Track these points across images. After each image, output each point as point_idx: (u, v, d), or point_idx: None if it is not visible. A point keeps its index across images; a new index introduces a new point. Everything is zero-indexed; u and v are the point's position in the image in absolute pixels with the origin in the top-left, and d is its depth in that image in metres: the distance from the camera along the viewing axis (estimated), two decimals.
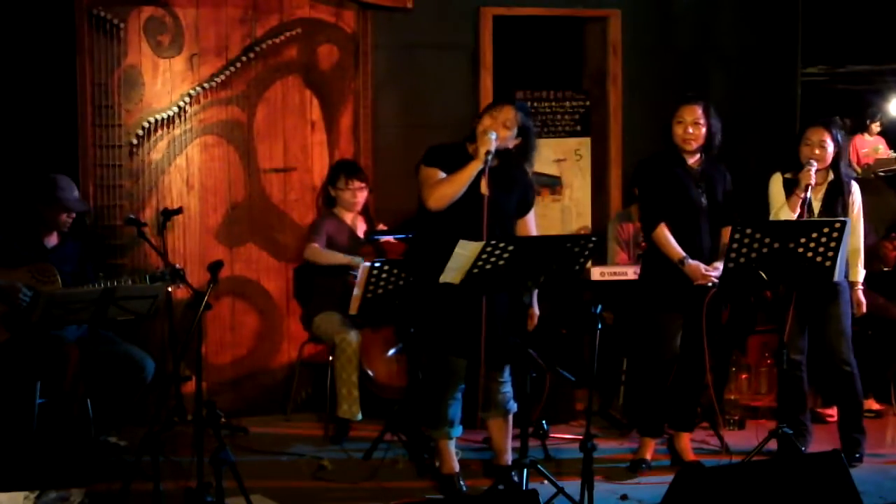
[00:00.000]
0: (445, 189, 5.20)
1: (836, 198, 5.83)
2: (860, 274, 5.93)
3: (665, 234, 5.56)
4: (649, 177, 5.70)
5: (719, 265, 5.55)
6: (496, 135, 5.21)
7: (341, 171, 6.63)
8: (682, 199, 5.59)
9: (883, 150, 11.87)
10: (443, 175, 5.23)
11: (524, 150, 5.39)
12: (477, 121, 5.33)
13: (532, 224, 5.50)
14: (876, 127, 11.96)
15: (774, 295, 5.70)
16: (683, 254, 5.53)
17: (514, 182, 5.39)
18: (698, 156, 5.64)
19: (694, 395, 5.85)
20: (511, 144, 5.33)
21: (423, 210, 5.29)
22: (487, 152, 5.16)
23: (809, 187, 5.69)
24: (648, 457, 5.77)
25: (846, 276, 5.84)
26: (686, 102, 5.61)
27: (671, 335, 5.65)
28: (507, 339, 5.32)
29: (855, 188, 5.93)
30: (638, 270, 6.01)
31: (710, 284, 5.53)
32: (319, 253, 6.43)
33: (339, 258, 6.39)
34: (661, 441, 5.93)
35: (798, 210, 5.70)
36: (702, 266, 5.53)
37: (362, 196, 6.61)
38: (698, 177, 5.64)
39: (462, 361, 5.34)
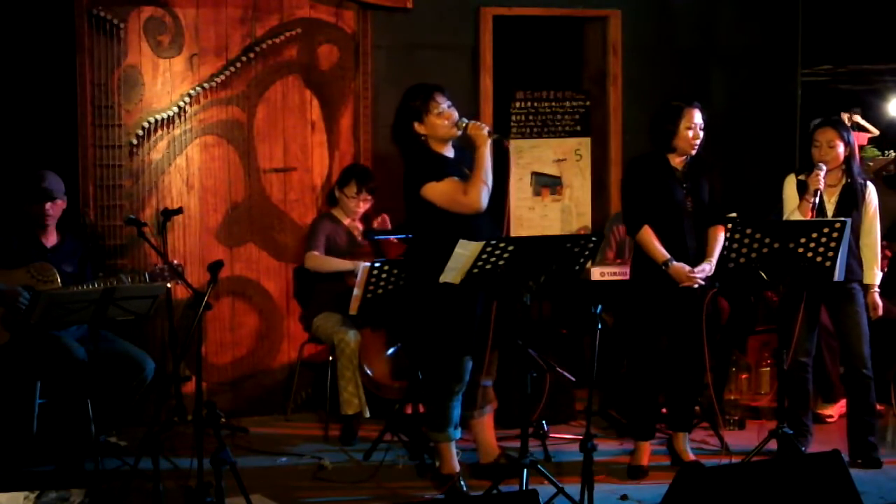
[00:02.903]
0: (482, 184, 5.18)
1: (850, 199, 5.79)
2: (877, 277, 5.88)
3: (649, 236, 5.56)
4: (634, 178, 5.70)
5: (706, 266, 5.55)
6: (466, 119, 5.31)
7: (353, 177, 6.54)
8: (667, 200, 5.58)
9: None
10: (456, 180, 5.22)
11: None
12: (420, 131, 5.29)
13: None
14: (850, 119, 11.85)
15: (780, 295, 5.68)
16: (668, 255, 5.52)
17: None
18: (684, 157, 5.64)
19: (692, 395, 5.85)
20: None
21: (429, 214, 5.25)
22: (490, 132, 5.21)
23: (819, 192, 5.68)
24: (645, 462, 5.74)
25: (861, 279, 5.83)
26: (691, 106, 5.60)
27: (656, 336, 5.65)
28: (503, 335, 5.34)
29: (871, 189, 5.89)
30: None
31: (695, 287, 5.53)
32: (321, 260, 6.40)
33: (341, 264, 6.36)
34: (659, 442, 5.93)
35: (810, 215, 5.68)
36: (686, 268, 5.53)
37: (366, 206, 6.59)
38: (682, 178, 5.64)
39: (469, 363, 5.34)
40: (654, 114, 5.72)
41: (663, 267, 5.50)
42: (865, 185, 5.87)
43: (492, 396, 5.60)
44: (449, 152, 5.35)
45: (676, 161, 5.63)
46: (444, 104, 5.30)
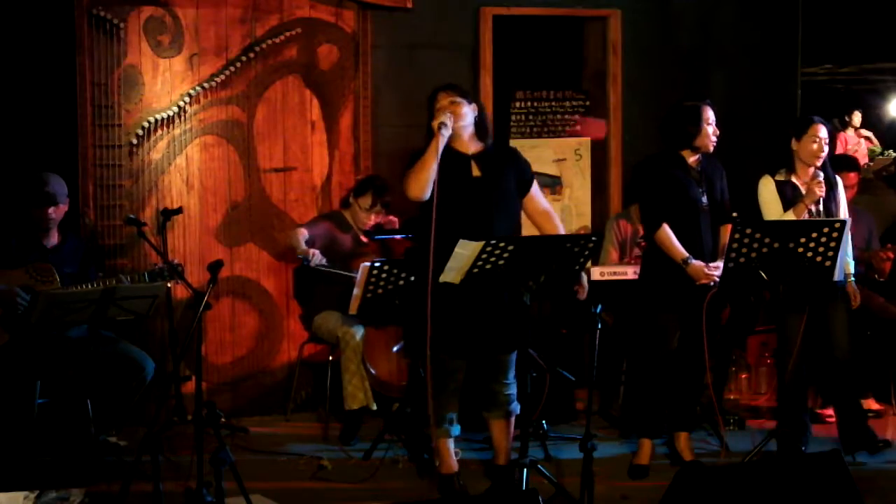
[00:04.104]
0: (418, 174, 5.17)
1: (828, 194, 5.81)
2: (850, 265, 5.93)
3: (668, 235, 5.57)
4: (650, 178, 5.70)
5: (720, 264, 5.57)
6: (450, 114, 5.26)
7: (371, 189, 6.54)
8: (683, 199, 5.60)
9: (864, 147, 11.87)
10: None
11: (481, 125, 5.41)
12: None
13: (540, 198, 5.51)
14: (857, 118, 11.88)
15: (772, 295, 5.68)
16: (686, 254, 5.53)
17: (507, 162, 5.41)
18: (698, 155, 5.66)
19: (693, 394, 5.85)
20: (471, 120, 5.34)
21: (424, 211, 5.29)
22: (441, 125, 5.18)
23: (821, 200, 5.69)
24: (646, 462, 5.75)
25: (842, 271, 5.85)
26: (706, 104, 5.63)
27: (669, 335, 5.65)
28: (508, 340, 5.33)
29: (839, 180, 5.95)
30: (636, 270, 6.02)
31: (711, 284, 5.55)
32: (294, 236, 6.43)
33: (297, 244, 6.37)
34: (659, 442, 5.93)
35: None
36: (704, 266, 5.54)
37: (376, 220, 6.60)
38: (698, 176, 5.65)
39: (458, 361, 5.34)
40: (668, 116, 5.69)
41: (682, 265, 5.52)
42: (835, 177, 5.90)
43: (508, 400, 5.52)
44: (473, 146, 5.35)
45: (691, 160, 5.65)
46: (443, 101, 5.31)
